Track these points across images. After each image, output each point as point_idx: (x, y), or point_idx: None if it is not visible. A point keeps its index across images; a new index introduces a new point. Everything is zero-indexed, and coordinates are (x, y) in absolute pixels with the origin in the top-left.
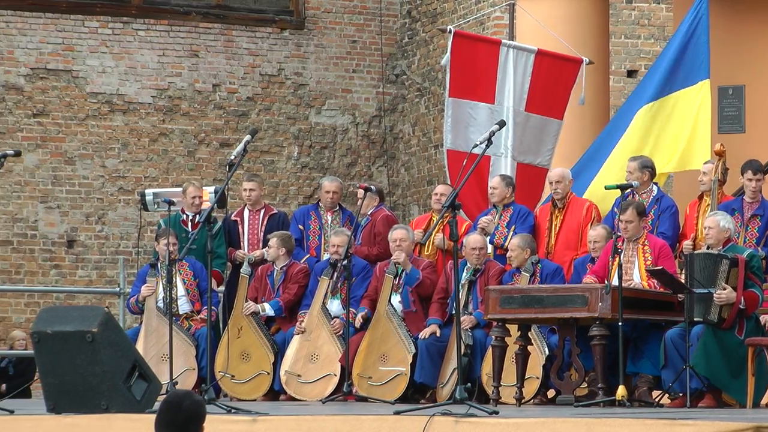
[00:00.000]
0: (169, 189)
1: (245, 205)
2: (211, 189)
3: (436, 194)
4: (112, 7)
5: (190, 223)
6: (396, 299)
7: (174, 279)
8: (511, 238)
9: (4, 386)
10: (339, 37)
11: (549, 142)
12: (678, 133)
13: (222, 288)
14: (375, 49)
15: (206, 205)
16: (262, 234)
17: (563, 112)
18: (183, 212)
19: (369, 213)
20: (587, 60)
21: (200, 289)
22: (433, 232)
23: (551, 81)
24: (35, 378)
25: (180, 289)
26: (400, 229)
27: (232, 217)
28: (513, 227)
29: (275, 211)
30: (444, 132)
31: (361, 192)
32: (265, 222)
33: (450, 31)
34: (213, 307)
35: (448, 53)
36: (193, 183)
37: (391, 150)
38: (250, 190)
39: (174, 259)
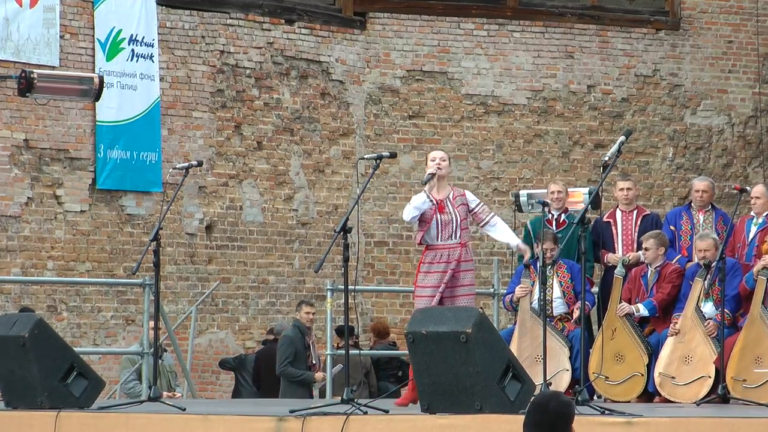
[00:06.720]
0: (544, 190)
1: (617, 206)
2: (585, 190)
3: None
4: (488, 8)
5: (554, 222)
6: None
7: (551, 280)
8: None
9: None
10: (715, 38)
11: None
12: None
13: (595, 289)
14: (751, 49)
15: (580, 207)
16: (635, 235)
17: None
18: (549, 212)
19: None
20: None
21: (575, 291)
22: None
23: None
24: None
25: (556, 291)
26: None
27: (604, 219)
28: None
29: (648, 212)
30: None
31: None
32: (638, 223)
33: None
34: (588, 303)
35: None
36: (555, 181)
37: (767, 151)
38: (627, 189)
39: (548, 262)
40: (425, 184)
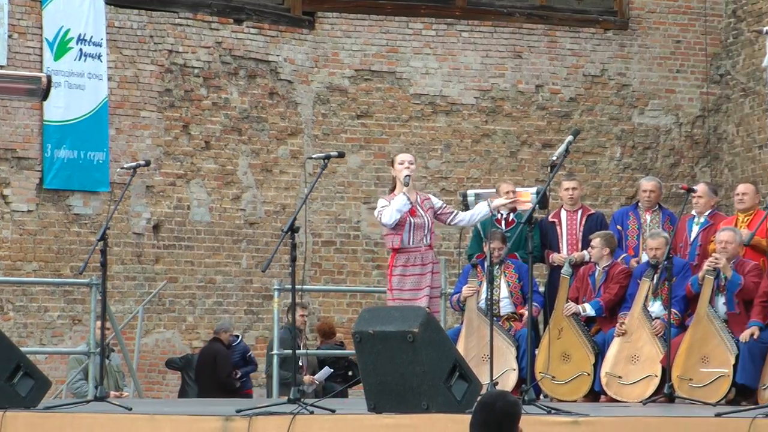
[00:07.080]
0: (491, 190)
1: (562, 206)
2: (533, 190)
3: (738, 194)
4: (437, 8)
5: (503, 222)
6: (720, 301)
7: (498, 280)
8: None
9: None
10: (663, 37)
11: None
12: None
13: (542, 289)
14: (699, 49)
15: (527, 206)
16: (580, 235)
17: None
18: (498, 211)
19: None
20: None
21: (524, 291)
22: (755, 234)
23: None
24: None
25: (503, 291)
26: (726, 231)
27: (549, 219)
28: None
29: (593, 212)
30: None
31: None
32: (583, 223)
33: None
34: (535, 304)
35: None
36: (506, 180)
37: (714, 150)
38: (572, 189)
39: (496, 261)
40: (406, 186)
